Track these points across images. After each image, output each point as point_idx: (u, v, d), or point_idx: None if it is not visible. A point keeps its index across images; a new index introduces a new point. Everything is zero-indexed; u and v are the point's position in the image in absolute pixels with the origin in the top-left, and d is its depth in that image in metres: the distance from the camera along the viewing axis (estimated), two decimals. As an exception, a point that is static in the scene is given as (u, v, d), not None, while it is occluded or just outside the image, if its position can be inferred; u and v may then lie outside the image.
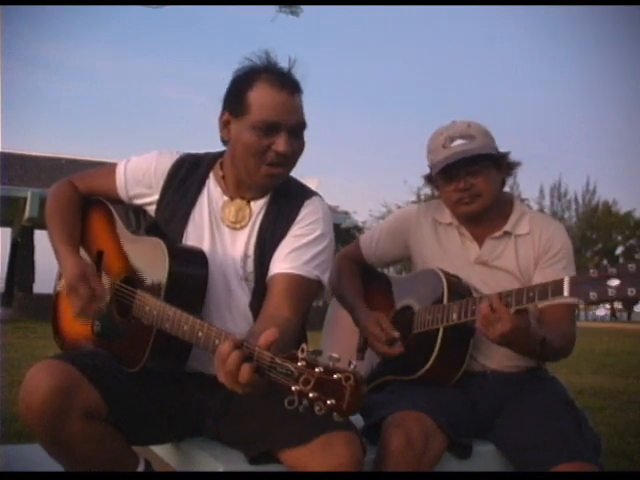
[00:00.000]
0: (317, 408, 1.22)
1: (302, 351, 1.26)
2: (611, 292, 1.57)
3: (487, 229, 2.09)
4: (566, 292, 1.66)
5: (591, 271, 1.62)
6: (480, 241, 2.10)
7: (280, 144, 1.70)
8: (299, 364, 1.25)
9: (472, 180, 2.01)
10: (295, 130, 1.74)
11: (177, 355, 1.70)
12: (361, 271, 2.31)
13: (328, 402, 1.22)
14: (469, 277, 2.05)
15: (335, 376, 1.22)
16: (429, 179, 2.16)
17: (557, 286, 1.68)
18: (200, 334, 1.50)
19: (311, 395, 1.22)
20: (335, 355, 1.24)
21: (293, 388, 1.23)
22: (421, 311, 2.03)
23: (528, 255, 2.06)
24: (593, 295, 1.60)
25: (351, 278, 2.27)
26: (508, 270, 2.05)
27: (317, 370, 1.23)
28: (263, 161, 1.73)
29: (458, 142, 2.01)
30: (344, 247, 2.45)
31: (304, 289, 1.73)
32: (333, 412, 1.22)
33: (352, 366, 1.24)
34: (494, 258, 2.07)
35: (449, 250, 2.13)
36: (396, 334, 2.04)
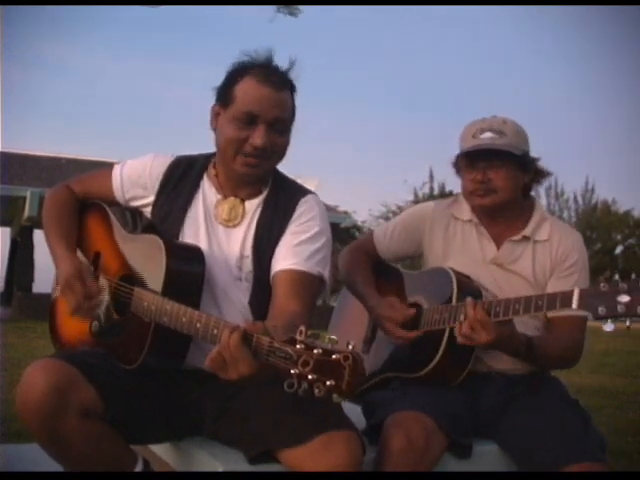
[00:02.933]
0: (317, 390, 1.24)
1: (300, 333, 1.27)
2: (620, 308, 1.56)
3: (506, 230, 2.08)
4: (575, 304, 1.65)
5: (602, 285, 1.60)
6: (498, 242, 2.09)
7: (257, 137, 1.71)
8: (298, 347, 1.26)
9: (491, 174, 2.00)
10: (275, 124, 1.74)
11: (175, 352, 1.71)
12: (373, 263, 2.29)
13: (327, 383, 1.23)
14: (481, 276, 2.05)
15: (334, 357, 1.24)
16: (455, 167, 2.14)
17: (566, 297, 1.67)
18: (198, 325, 1.52)
19: (310, 377, 1.24)
20: (333, 337, 1.27)
21: (292, 371, 1.25)
22: (429, 310, 2.02)
23: (544, 263, 2.05)
24: (602, 310, 1.59)
25: (363, 269, 2.25)
26: (523, 275, 2.04)
27: (316, 352, 1.24)
28: (240, 152, 1.74)
29: (487, 135, 2.01)
30: (343, 247, 2.44)
31: (308, 285, 1.73)
32: (333, 393, 1.23)
33: (350, 347, 1.25)
34: (511, 261, 2.06)
35: (464, 247, 2.11)
36: (412, 311, 2.03)
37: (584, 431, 1.83)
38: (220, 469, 1.61)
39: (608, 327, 1.67)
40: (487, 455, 1.90)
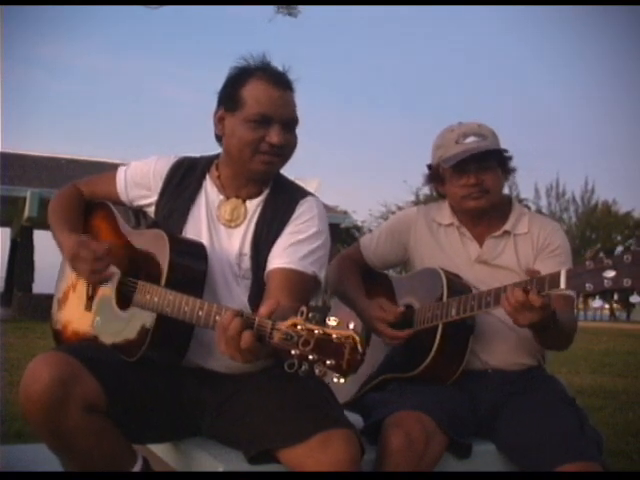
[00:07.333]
0: (317, 370, 1.25)
1: (301, 314, 1.28)
2: (607, 283, 1.59)
3: (487, 229, 2.12)
4: (563, 284, 1.67)
5: (587, 263, 1.63)
6: (480, 240, 2.12)
7: (273, 135, 1.75)
8: (298, 327, 1.27)
9: (482, 176, 2.04)
10: (288, 124, 1.79)
11: (177, 345, 1.72)
12: (361, 271, 2.33)
13: (328, 362, 1.25)
14: (470, 276, 2.07)
15: (334, 336, 1.25)
16: (431, 177, 2.18)
17: (554, 278, 1.69)
18: (201, 313, 1.53)
19: (311, 357, 1.25)
20: (333, 318, 1.28)
21: (293, 352, 1.26)
22: (421, 309, 2.04)
23: (527, 254, 2.09)
24: (589, 286, 1.62)
25: (352, 276, 2.28)
26: (509, 268, 2.07)
27: (316, 332, 1.25)
28: (257, 151, 1.78)
29: (471, 139, 2.06)
30: (343, 247, 2.46)
31: (301, 284, 1.74)
32: (333, 373, 1.25)
33: (351, 326, 1.27)
34: (495, 257, 2.09)
35: (449, 250, 2.14)
36: (401, 310, 2.05)
37: (580, 430, 1.84)
38: (220, 469, 1.61)
39: (596, 303, 1.74)
40: (487, 455, 1.90)
